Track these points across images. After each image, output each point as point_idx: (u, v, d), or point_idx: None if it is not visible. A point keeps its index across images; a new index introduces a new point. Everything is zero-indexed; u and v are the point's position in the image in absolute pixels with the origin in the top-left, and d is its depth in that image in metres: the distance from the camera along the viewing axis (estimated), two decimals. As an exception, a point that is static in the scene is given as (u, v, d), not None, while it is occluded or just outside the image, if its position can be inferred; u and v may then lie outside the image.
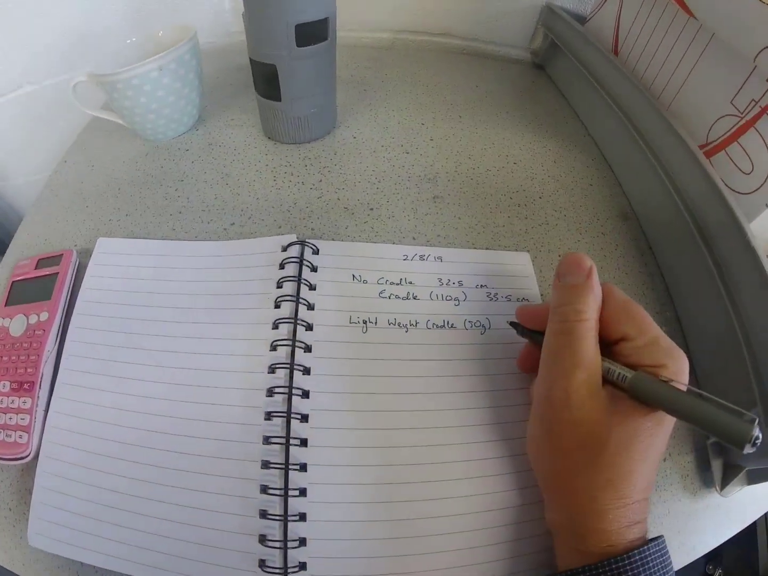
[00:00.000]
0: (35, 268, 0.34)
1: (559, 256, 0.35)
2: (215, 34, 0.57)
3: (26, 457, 0.27)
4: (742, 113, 0.32)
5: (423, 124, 0.45)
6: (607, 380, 0.21)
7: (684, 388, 0.19)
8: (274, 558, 0.23)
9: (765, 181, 0.30)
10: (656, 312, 0.33)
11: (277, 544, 0.24)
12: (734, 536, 0.94)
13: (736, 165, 0.33)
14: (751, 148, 0.31)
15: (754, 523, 0.96)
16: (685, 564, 0.28)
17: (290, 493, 0.24)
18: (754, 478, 0.28)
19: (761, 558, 0.90)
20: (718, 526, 0.29)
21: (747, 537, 0.94)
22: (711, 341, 0.31)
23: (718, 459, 0.29)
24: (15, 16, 0.53)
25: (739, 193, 0.32)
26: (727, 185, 0.33)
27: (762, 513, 0.30)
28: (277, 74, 0.35)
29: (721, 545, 0.91)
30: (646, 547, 0.19)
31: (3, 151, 0.69)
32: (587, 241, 0.36)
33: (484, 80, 0.52)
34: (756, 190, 0.31)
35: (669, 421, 0.20)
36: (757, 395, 0.25)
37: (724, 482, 0.28)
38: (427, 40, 0.57)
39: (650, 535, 0.21)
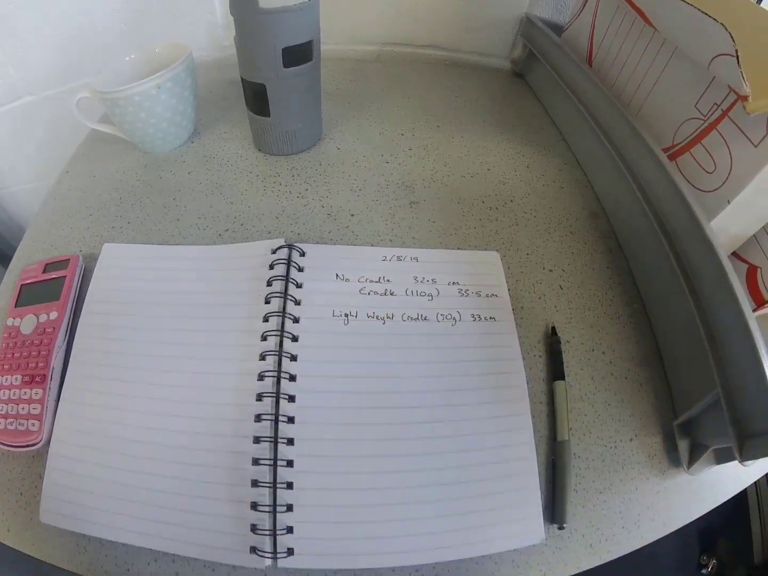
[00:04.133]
0: (43, 272, 0.39)
1: (528, 254, 0.41)
2: (208, 48, 0.63)
3: (38, 443, 0.31)
4: (705, 116, 0.37)
5: (402, 134, 0.51)
6: None
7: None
8: (264, 522, 0.28)
9: (726, 179, 0.35)
10: (624, 304, 0.39)
11: (267, 508, 0.28)
12: (728, 527, 0.99)
13: (700, 165, 0.37)
14: (714, 149, 0.36)
15: (747, 514, 1.02)
16: (658, 538, 0.32)
17: (279, 463, 0.29)
18: (722, 458, 0.32)
19: (755, 548, 0.94)
20: (688, 504, 0.33)
21: (740, 528, 0.99)
22: (675, 329, 0.36)
23: (684, 439, 0.33)
24: (15, 28, 0.58)
25: (703, 191, 0.37)
26: (692, 184, 0.38)
27: (732, 493, 0.34)
28: (266, 93, 0.41)
29: (715, 536, 0.97)
30: None
31: (0, 161, 0.75)
32: (555, 240, 0.42)
33: (465, 90, 0.59)
34: (718, 188, 0.35)
35: None
36: (717, 378, 0.29)
37: (692, 461, 0.32)
38: (412, 52, 0.63)
39: (620, 508, 0.27)
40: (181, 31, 0.62)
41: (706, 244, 0.32)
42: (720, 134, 0.35)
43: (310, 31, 0.40)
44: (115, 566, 0.29)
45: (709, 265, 0.32)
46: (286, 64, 0.40)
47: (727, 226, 0.36)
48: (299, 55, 0.40)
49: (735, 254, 0.39)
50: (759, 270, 0.38)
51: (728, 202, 0.34)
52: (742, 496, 1.04)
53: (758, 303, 0.37)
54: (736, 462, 0.31)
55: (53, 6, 0.57)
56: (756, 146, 0.32)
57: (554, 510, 0.31)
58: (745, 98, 0.30)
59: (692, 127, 0.38)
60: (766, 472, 0.36)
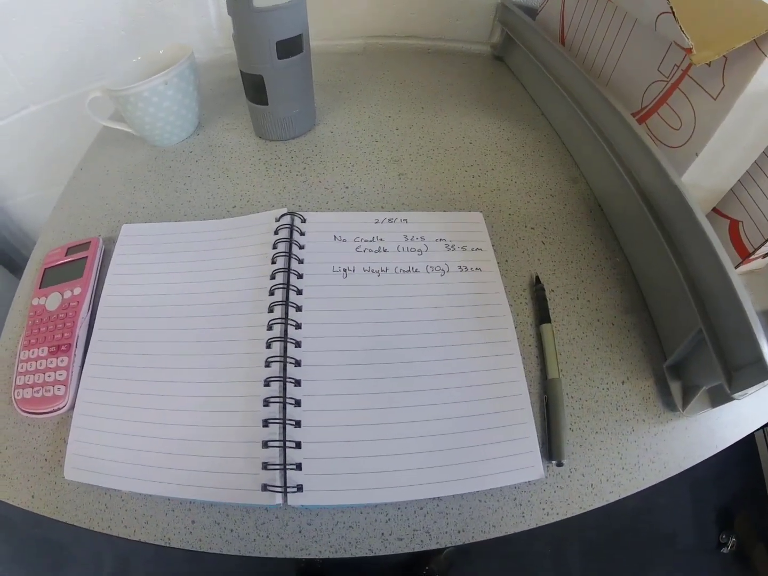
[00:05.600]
0: (65, 255, 0.43)
1: (510, 214, 0.46)
2: (204, 50, 0.70)
3: (63, 407, 0.35)
4: (668, 78, 0.41)
5: (390, 116, 0.57)
6: None
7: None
8: (275, 458, 0.31)
9: (692, 133, 0.39)
10: (606, 257, 0.44)
11: (278, 443, 0.32)
12: (746, 504, 1.05)
13: (668, 124, 0.42)
14: (678, 107, 0.40)
15: (764, 490, 1.05)
16: (659, 481, 0.34)
17: (288, 401, 0.33)
18: (716, 400, 0.34)
19: (774, 526, 0.97)
20: (687, 448, 0.35)
21: (759, 506, 1.02)
22: (657, 276, 0.40)
23: (676, 381, 0.36)
24: (19, 40, 0.65)
25: (672, 147, 0.41)
26: (662, 142, 0.42)
27: (731, 440, 0.36)
28: (264, 83, 0.48)
29: (732, 514, 1.03)
30: None
31: (8, 170, 0.82)
32: (536, 202, 0.48)
33: (447, 74, 0.65)
34: (685, 143, 0.40)
35: None
36: (698, 316, 0.32)
37: (686, 402, 0.35)
38: (396, 43, 0.70)
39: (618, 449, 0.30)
40: (178, 35, 0.68)
41: (675, 193, 0.36)
42: (682, 92, 0.40)
43: (299, 26, 0.46)
44: (134, 519, 0.32)
45: (680, 211, 0.35)
46: (281, 56, 0.46)
47: (700, 180, 0.40)
48: (291, 47, 0.47)
49: (716, 210, 0.43)
50: (741, 224, 0.41)
51: (696, 154, 0.38)
52: (757, 471, 1.07)
53: (743, 256, 0.41)
54: (734, 409, 0.35)
55: (55, 17, 0.64)
56: (715, 99, 0.36)
57: (551, 446, 0.33)
58: (689, 51, 0.34)
59: (657, 89, 0.43)
60: (764, 422, 0.37)
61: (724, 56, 0.34)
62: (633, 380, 0.37)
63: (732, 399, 0.31)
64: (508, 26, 0.65)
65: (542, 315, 0.39)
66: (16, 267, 0.94)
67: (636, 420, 0.35)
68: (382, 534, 0.31)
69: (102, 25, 0.66)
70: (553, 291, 0.41)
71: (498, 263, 0.42)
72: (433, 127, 0.56)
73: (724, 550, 1.01)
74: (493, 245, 0.43)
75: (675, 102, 0.41)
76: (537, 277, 0.41)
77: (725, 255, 0.32)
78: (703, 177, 0.40)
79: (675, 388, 0.35)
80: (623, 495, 0.33)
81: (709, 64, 0.36)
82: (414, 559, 0.96)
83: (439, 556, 0.95)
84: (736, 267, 0.42)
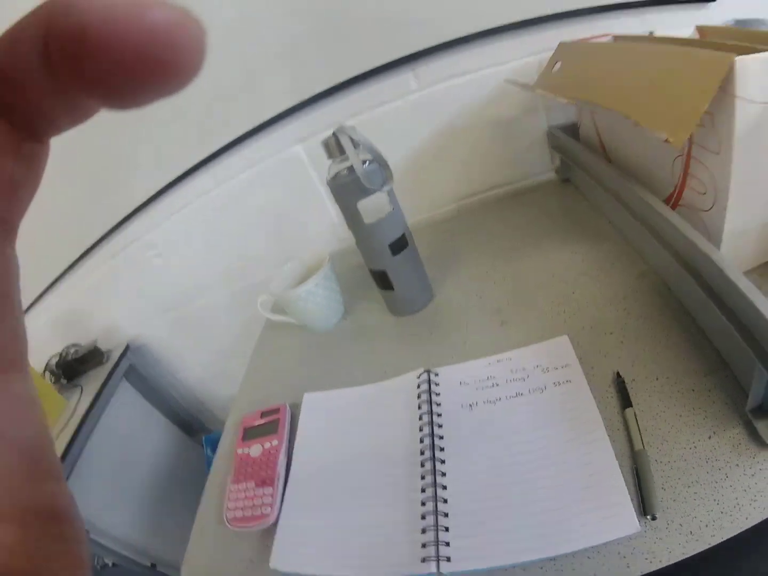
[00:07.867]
0: (260, 417, 0.64)
1: (591, 327, 0.62)
2: (332, 241, 1.03)
3: (269, 522, 0.52)
4: (682, 151, 0.51)
5: (487, 272, 0.79)
6: None
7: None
8: (430, 537, 0.47)
9: (715, 191, 0.47)
10: (680, 333, 0.55)
11: (432, 528, 0.47)
12: None
13: (696, 191, 0.52)
14: (699, 173, 0.49)
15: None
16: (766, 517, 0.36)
17: (438, 499, 0.51)
18: None
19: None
20: None
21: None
22: (723, 337, 0.49)
23: (762, 420, 0.41)
24: (191, 254, 1.13)
25: (706, 211, 0.50)
26: (699, 209, 0.51)
27: None
28: (388, 275, 0.71)
29: None
30: None
31: (185, 348, 1.38)
32: (613, 308, 0.62)
33: (527, 212, 0.89)
34: (714, 203, 0.48)
35: None
36: (755, 356, 0.38)
37: None
38: (481, 197, 0.97)
39: (714, 496, 0.36)
40: (310, 236, 1.06)
41: (711, 265, 0.44)
42: (696, 159, 0.50)
43: (401, 227, 0.71)
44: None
45: (723, 281, 0.44)
46: (394, 253, 0.70)
47: (744, 225, 0.49)
48: (400, 244, 0.71)
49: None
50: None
51: (725, 208, 0.47)
52: None
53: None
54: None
55: (216, 239, 1.12)
56: (719, 153, 0.45)
57: (644, 503, 0.41)
58: (668, 141, 0.43)
59: (679, 164, 0.53)
60: None
61: (705, 113, 0.40)
62: (720, 433, 0.43)
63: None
64: (559, 149, 0.83)
65: (624, 402, 0.50)
66: (186, 426, 1.37)
67: (729, 467, 0.40)
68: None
69: (256, 241, 1.06)
70: (634, 380, 0.52)
71: (585, 372, 0.57)
72: (520, 271, 0.75)
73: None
74: (579, 357, 0.58)
75: (695, 170, 0.51)
76: (617, 372, 0.55)
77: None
78: (745, 221, 0.49)
79: (762, 427, 0.40)
80: (726, 537, 0.38)
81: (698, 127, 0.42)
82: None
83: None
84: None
